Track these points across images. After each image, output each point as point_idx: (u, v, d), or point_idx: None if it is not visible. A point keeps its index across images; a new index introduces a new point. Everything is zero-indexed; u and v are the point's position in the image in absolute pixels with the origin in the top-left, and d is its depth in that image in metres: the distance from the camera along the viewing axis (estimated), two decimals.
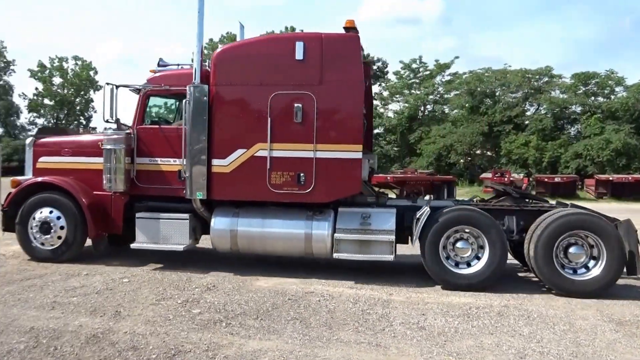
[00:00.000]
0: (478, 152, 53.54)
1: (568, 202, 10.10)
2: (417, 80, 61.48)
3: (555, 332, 7.00)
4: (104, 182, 10.18)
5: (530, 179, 42.27)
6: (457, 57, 62.73)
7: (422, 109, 60.51)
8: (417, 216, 9.25)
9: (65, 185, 10.39)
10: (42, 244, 10.43)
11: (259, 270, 10.13)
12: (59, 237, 10.39)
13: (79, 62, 76.38)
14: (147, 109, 10.66)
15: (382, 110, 62.33)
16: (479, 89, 53.95)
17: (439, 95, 60.17)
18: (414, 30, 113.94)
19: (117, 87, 10.22)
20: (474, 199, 10.71)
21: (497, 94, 54.28)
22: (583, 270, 8.91)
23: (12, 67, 75.68)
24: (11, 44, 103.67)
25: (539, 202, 10.11)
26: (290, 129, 9.51)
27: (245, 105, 9.77)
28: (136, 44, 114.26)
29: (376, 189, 11.47)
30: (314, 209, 9.70)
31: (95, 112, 76.77)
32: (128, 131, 10.39)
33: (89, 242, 10.65)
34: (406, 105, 60.00)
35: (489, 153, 53.64)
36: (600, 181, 37.38)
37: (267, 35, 10.25)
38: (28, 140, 11.32)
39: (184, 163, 9.82)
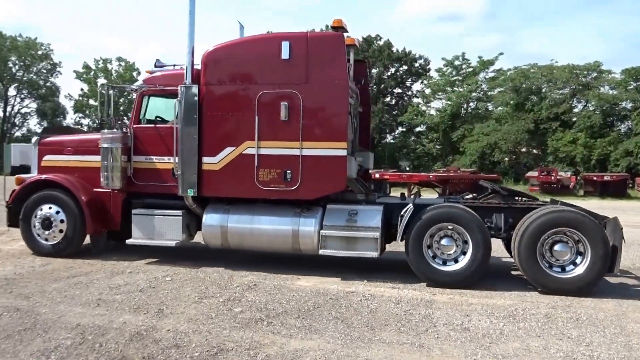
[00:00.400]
0: (523, 150, 52.69)
1: (594, 200, 10.13)
2: (460, 78, 60.78)
3: (605, 336, 6.71)
4: (101, 179, 10.47)
5: (578, 177, 41.43)
6: (501, 54, 62.07)
7: (464, 106, 59.84)
8: (402, 213, 9.30)
9: (65, 183, 10.75)
10: (46, 239, 10.77)
11: (300, 269, 10.07)
12: (60, 231, 10.71)
13: (122, 64, 78.10)
14: (144, 109, 10.83)
15: (424, 108, 61.87)
16: (524, 85, 53.10)
17: (482, 93, 59.41)
18: (457, 27, 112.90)
19: (112, 87, 10.87)
20: (466, 197, 10.58)
21: (543, 90, 53.33)
22: (571, 267, 8.76)
23: (58, 69, 77.80)
24: (57, 46, 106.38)
25: (528, 200, 10.02)
26: (277, 127, 9.64)
27: (234, 104, 9.88)
28: (173, 45, 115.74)
29: (371, 186, 11.50)
30: (302, 206, 9.80)
31: None
32: (125, 130, 10.68)
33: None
34: (449, 102, 59.38)
35: (534, 151, 52.74)
36: None
37: (254, 35, 10.39)
38: (34, 140, 11.76)
39: (176, 161, 10.05)
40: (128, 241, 10.54)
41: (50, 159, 11.30)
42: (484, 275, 9.15)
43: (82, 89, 76.78)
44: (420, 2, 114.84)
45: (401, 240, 9.41)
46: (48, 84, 78.30)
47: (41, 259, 10.43)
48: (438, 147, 59.24)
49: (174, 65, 10.87)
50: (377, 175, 27.25)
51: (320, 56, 9.48)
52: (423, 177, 26.36)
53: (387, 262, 10.49)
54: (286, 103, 9.51)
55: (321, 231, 9.53)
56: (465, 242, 9.07)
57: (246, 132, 9.75)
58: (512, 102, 53.54)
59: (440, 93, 61.55)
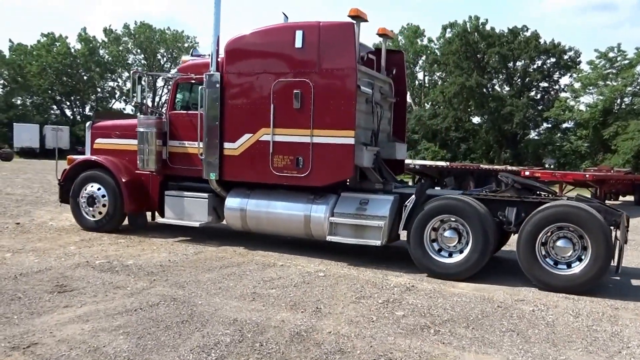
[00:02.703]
0: None
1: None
2: (614, 71, 56.41)
3: None
4: (138, 161, 11.19)
5: None
6: None
7: (618, 101, 55.54)
8: (405, 203, 9.35)
9: (106, 163, 11.55)
10: (93, 215, 11.66)
11: None
12: (103, 207, 11.55)
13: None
14: (179, 96, 11.54)
15: (572, 103, 58.21)
16: None
17: (638, 87, 54.82)
18: (610, 17, 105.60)
19: (145, 74, 11.72)
20: (484, 190, 10.28)
21: None
22: (576, 263, 8.38)
23: (179, 61, 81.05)
24: (202, 40, 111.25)
25: (544, 194, 9.65)
26: (290, 115, 9.87)
27: (252, 92, 10.24)
28: None
29: (398, 177, 11.52)
30: (317, 193, 10.02)
31: None
32: (161, 116, 11.47)
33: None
34: (600, 97, 55.33)
35: None
36: None
37: (271, 25, 10.36)
38: (87, 124, 12.80)
39: (201, 146, 10.62)
40: (160, 220, 11.53)
41: (100, 142, 12.23)
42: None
43: None
44: None
45: (403, 229, 9.40)
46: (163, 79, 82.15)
47: (194, 247, 10.63)
48: (586, 144, 55.47)
49: (209, 55, 11.14)
50: (527, 173, 25.84)
51: (330, 45, 9.60)
52: (578, 176, 24.80)
53: None
54: (299, 91, 9.73)
55: (331, 218, 9.70)
56: (469, 235, 8.90)
57: (263, 119, 10.08)
58: None
59: (591, 87, 57.48)
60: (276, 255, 10.20)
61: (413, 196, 9.30)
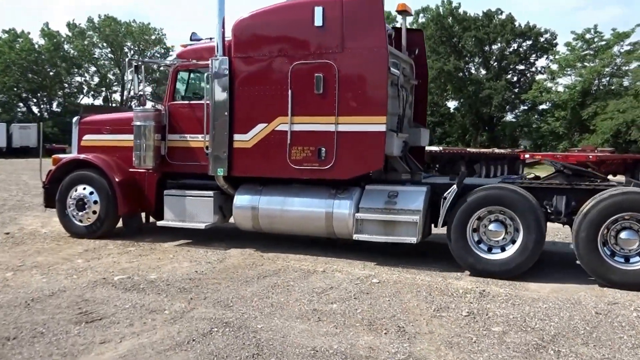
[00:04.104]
0: None
1: None
2: (591, 52, 56.16)
3: None
4: (134, 159, 10.04)
5: None
6: (638, 25, 56.13)
7: (596, 82, 55.35)
8: (444, 195, 8.35)
9: (98, 162, 10.35)
10: (80, 220, 10.41)
11: None
12: (94, 213, 10.31)
13: None
14: (179, 85, 10.42)
15: (550, 84, 57.90)
16: None
17: (616, 68, 54.65)
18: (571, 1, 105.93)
19: (141, 63, 10.32)
20: (524, 176, 9.50)
21: None
22: (637, 258, 7.57)
23: (171, 53, 79.13)
24: (170, 33, 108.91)
25: (595, 180, 8.64)
26: (311, 101, 8.89)
27: (266, 77, 9.23)
28: None
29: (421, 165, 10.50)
30: (338, 187, 9.04)
31: None
32: (159, 108, 10.28)
33: None
34: (579, 79, 55.08)
35: None
36: None
37: (286, 2, 9.41)
38: (74, 119, 11.42)
39: (206, 139, 9.57)
40: (159, 223, 10.20)
41: (89, 138, 10.98)
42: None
43: None
44: None
45: (442, 225, 8.47)
46: (162, 68, 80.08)
47: (215, 254, 9.42)
48: (564, 125, 55.21)
49: (211, 39, 10.14)
50: (526, 156, 25.03)
51: (356, 22, 8.64)
52: (581, 157, 24.14)
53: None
54: (321, 75, 8.76)
55: (357, 214, 8.73)
56: (517, 229, 8.03)
57: (279, 107, 9.07)
58: None
59: (568, 69, 57.21)
60: (309, 258, 9.12)
61: (454, 187, 8.30)
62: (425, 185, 8.90)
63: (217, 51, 9.38)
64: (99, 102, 78.46)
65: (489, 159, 29.14)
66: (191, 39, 10.63)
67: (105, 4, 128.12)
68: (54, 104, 77.31)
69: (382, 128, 8.55)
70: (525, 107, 61.02)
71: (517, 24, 58.96)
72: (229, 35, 9.46)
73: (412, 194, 8.70)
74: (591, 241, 7.57)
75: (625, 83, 53.45)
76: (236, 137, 9.37)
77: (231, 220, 10.17)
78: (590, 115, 51.17)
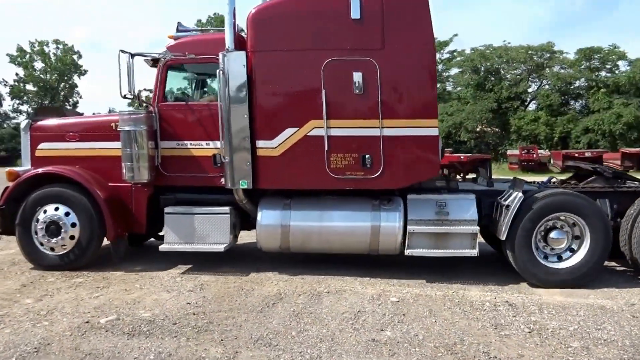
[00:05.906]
0: (487, 129, 53.92)
1: None
2: None
3: None
4: (124, 171, 8.50)
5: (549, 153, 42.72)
6: (455, 35, 61.81)
7: None
8: (506, 203, 7.88)
9: (77, 177, 8.67)
10: (51, 248, 8.67)
11: (504, 277, 8.33)
12: (72, 238, 8.62)
13: (61, 46, 74.59)
14: (171, 83, 9.06)
15: None
16: (482, 67, 54.37)
17: (438, 74, 59.93)
18: None
19: (132, 55, 8.47)
20: (552, 180, 9.54)
21: (501, 71, 54.79)
22: None
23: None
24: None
25: (634, 182, 8.80)
26: (349, 103, 8.06)
27: (294, 75, 8.19)
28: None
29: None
30: (380, 198, 8.34)
31: (80, 97, 75.52)
32: (149, 109, 8.73)
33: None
34: None
35: (497, 129, 54.00)
36: (627, 154, 37.94)
37: None
38: (23, 124, 9.56)
39: (222, 146, 8.29)
40: (162, 248, 8.64)
41: (47, 147, 9.16)
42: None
43: (17, 74, 72.76)
44: None
45: (504, 235, 7.84)
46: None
47: (186, 280, 8.18)
48: None
49: (202, 30, 8.99)
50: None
51: (399, 14, 7.93)
52: (453, 159, 26.56)
53: None
54: (360, 73, 7.94)
55: (407, 227, 8.05)
56: (576, 236, 7.91)
57: (311, 108, 8.09)
58: (472, 82, 54.52)
59: None
60: (287, 277, 8.35)
61: (518, 194, 7.75)
62: (470, 192, 8.42)
63: (228, 44, 8.15)
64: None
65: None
66: (178, 30, 9.21)
67: None
68: None
69: (435, 132, 8.03)
70: None
71: None
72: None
73: (462, 203, 8.17)
74: None
75: (449, 88, 59.06)
76: (260, 143, 8.20)
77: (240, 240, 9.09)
78: None
